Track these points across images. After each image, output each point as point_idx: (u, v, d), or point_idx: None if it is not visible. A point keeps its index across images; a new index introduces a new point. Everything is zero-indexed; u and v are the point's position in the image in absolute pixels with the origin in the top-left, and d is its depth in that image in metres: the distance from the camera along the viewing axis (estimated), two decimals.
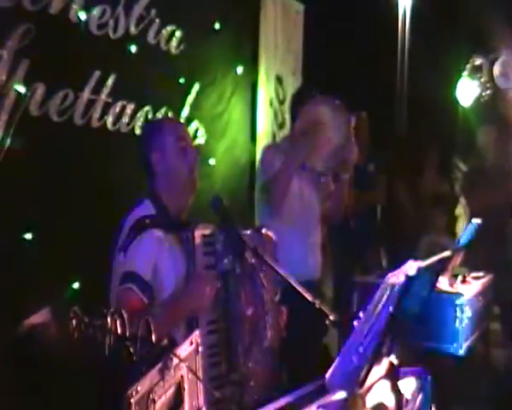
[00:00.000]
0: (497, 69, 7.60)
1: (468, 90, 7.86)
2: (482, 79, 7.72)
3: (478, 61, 7.76)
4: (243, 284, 2.52)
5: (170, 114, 4.52)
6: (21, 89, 3.44)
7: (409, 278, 1.90)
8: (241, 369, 2.46)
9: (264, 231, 2.80)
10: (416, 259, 2.15)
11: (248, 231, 2.63)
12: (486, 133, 5.87)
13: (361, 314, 1.98)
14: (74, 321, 1.64)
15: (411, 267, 2.00)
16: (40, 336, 1.67)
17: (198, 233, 2.43)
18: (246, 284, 2.54)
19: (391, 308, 1.90)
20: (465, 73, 7.83)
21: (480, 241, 5.29)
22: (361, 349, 1.90)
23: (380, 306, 1.94)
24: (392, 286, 1.95)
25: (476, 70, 7.79)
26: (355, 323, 1.99)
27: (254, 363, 2.52)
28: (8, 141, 3.35)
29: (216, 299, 2.41)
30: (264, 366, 2.58)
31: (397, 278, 1.96)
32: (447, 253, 2.35)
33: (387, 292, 1.94)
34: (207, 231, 2.46)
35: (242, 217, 4.42)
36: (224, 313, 2.45)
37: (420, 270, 1.98)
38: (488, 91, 7.71)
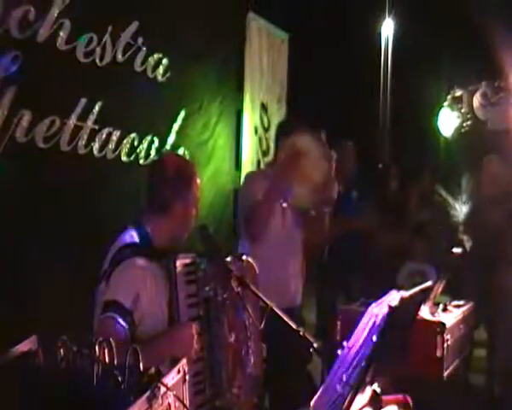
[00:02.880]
0: (476, 100, 7.73)
1: (448, 121, 7.99)
2: (462, 110, 7.86)
3: (458, 93, 7.89)
4: (226, 311, 2.54)
5: (156, 141, 4.55)
6: (8, 115, 3.46)
7: (392, 309, 1.94)
8: (225, 395, 2.47)
9: (244, 258, 2.81)
10: (398, 287, 2.18)
11: (229, 258, 2.64)
12: (490, 162, 5.94)
13: (345, 343, 2.01)
14: (62, 350, 1.65)
15: (394, 298, 2.03)
16: (27, 365, 1.68)
17: (179, 263, 2.44)
18: (228, 310, 2.55)
19: (374, 337, 1.92)
20: (446, 104, 7.96)
21: (468, 268, 5.36)
22: (345, 378, 1.92)
23: (363, 335, 1.97)
24: (376, 316, 1.98)
25: (456, 101, 7.92)
26: (339, 352, 2.01)
27: (238, 389, 2.53)
28: None
29: (199, 327, 2.42)
30: (248, 392, 2.59)
31: (380, 308, 1.99)
32: (429, 283, 2.39)
33: (371, 322, 1.97)
34: (188, 260, 2.48)
35: (227, 244, 4.44)
36: (208, 340, 2.46)
37: (403, 300, 2.02)
38: (468, 122, 7.84)
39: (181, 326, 2.42)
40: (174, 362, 2.00)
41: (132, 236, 2.54)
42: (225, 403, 2.45)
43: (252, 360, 2.61)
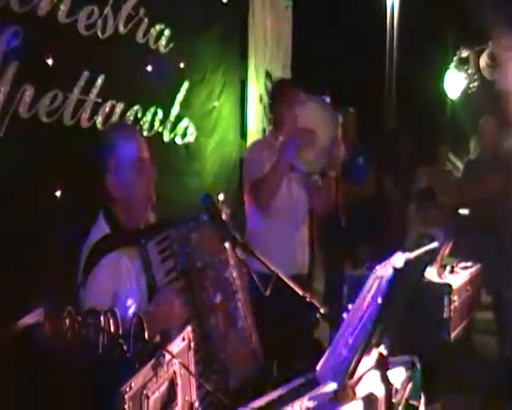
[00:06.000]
0: (483, 61, 7.63)
1: (455, 82, 7.90)
2: (469, 71, 7.76)
3: (465, 54, 7.79)
4: (207, 274, 2.50)
5: (160, 113, 4.54)
6: (10, 91, 3.46)
7: (396, 270, 1.93)
8: (220, 357, 2.46)
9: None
10: (404, 250, 2.18)
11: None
12: (486, 123, 5.89)
13: (350, 306, 2.02)
14: (68, 321, 1.67)
15: (399, 259, 2.03)
16: (34, 336, 1.69)
17: (151, 244, 2.40)
18: (210, 272, 2.51)
19: (379, 300, 1.93)
20: (452, 65, 7.86)
21: (471, 230, 5.35)
22: (350, 341, 1.93)
23: (368, 297, 1.97)
24: (381, 278, 1.98)
25: (463, 62, 7.82)
26: (344, 315, 2.02)
27: (232, 346, 2.52)
28: None
29: (184, 298, 2.42)
30: (243, 346, 2.56)
31: (385, 269, 1.99)
32: (435, 244, 2.38)
33: (376, 284, 1.97)
34: (160, 237, 2.43)
35: (232, 213, 4.43)
36: (195, 308, 2.45)
37: (408, 261, 2.02)
38: (475, 83, 7.75)
39: (156, 299, 2.38)
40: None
41: (102, 226, 2.49)
42: (222, 365, 2.45)
43: (242, 313, 2.59)
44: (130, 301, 2.32)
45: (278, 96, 4.05)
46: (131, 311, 2.29)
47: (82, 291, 2.40)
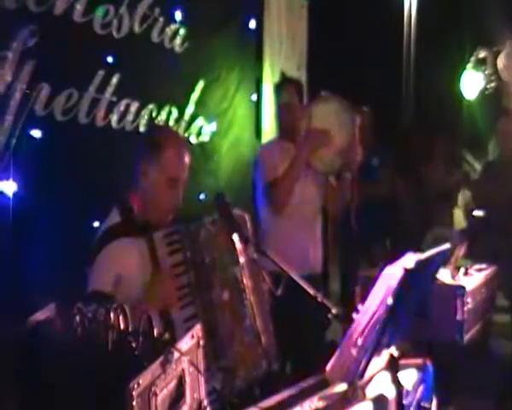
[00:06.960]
0: (501, 61, 7.57)
1: (472, 83, 7.85)
2: (486, 72, 7.70)
3: (482, 54, 7.74)
4: (214, 271, 2.51)
5: (174, 112, 4.55)
6: (27, 89, 3.48)
7: (407, 271, 1.92)
8: (227, 354, 2.46)
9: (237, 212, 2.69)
10: (416, 251, 2.16)
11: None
12: (505, 123, 5.83)
13: (360, 307, 2.01)
14: (78, 317, 1.68)
15: (410, 260, 2.02)
16: (45, 332, 1.71)
17: (158, 235, 2.41)
18: (217, 270, 2.52)
19: (389, 300, 1.92)
20: (469, 66, 7.80)
21: (486, 232, 5.30)
22: (360, 342, 1.92)
23: (378, 298, 1.96)
24: (391, 278, 1.97)
25: (480, 63, 7.77)
26: (354, 316, 2.01)
27: (239, 344, 2.52)
28: (14, 141, 3.40)
29: (191, 293, 2.43)
30: (250, 344, 2.56)
31: (395, 270, 1.98)
32: (447, 245, 2.36)
33: (386, 284, 1.96)
34: (169, 231, 2.44)
35: (247, 213, 4.44)
36: (202, 304, 2.46)
37: (418, 262, 2.01)
38: (492, 84, 7.69)
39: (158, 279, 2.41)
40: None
41: (115, 217, 2.52)
42: (229, 362, 2.45)
43: (250, 312, 2.58)
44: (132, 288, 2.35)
45: (276, 98, 4.10)
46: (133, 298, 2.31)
47: (88, 274, 2.42)
